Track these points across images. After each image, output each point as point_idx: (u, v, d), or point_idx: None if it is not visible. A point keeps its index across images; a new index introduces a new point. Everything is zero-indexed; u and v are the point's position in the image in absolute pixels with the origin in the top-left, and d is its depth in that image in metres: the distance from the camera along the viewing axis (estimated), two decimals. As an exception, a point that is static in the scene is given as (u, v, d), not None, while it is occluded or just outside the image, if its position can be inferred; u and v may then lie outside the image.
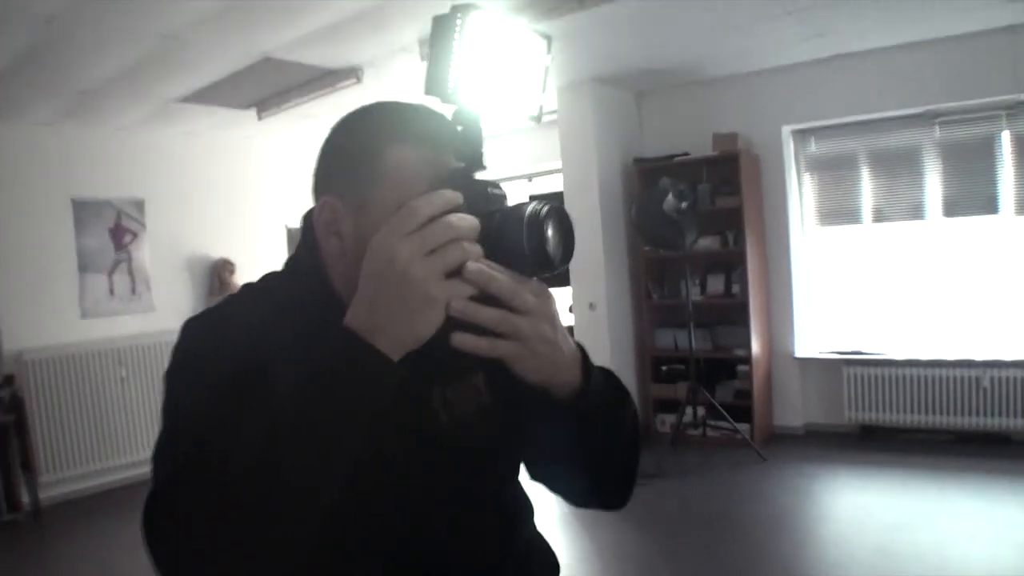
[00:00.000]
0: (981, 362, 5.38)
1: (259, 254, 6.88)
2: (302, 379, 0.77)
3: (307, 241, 1.02)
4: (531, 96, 0.97)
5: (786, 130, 6.05)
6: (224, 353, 0.89)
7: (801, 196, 6.17)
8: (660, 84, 6.34)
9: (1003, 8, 4.74)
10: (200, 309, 6.03)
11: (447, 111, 0.93)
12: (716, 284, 6.25)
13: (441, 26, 0.84)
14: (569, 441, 0.96)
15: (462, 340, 0.84)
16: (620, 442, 1.03)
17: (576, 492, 1.11)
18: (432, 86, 0.85)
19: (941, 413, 5.52)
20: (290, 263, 1.06)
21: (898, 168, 5.75)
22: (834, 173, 6.03)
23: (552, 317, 0.89)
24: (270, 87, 5.39)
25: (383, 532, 0.94)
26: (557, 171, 6.73)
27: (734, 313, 6.09)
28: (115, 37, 4.13)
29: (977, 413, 5.37)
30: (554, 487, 1.11)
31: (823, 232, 6.15)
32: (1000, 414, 5.30)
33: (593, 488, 1.07)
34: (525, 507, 1.15)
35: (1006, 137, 5.37)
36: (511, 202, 0.90)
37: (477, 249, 0.82)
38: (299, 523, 0.76)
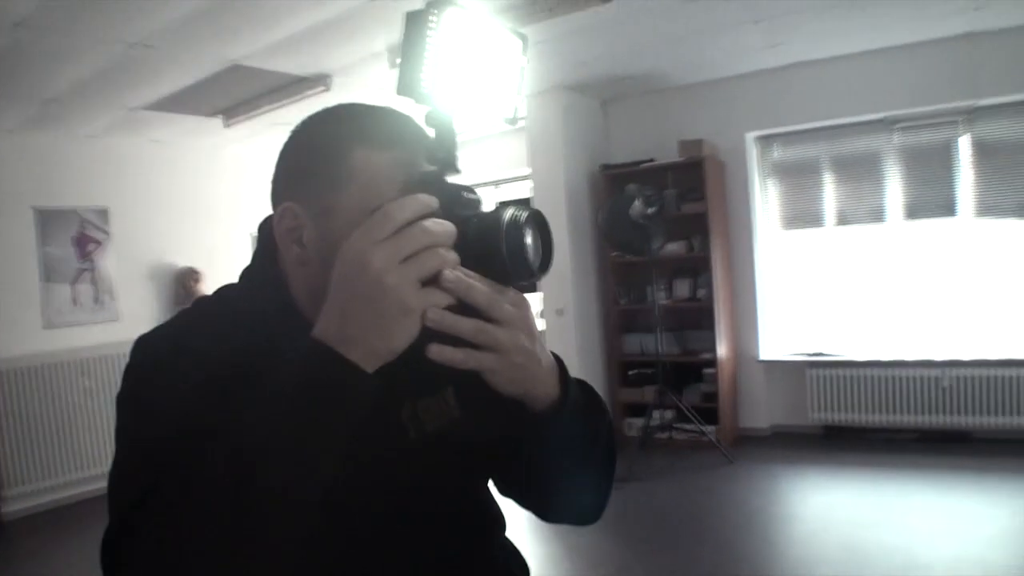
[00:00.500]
0: (941, 362, 5.51)
1: (225, 263, 6.81)
2: (273, 394, 0.74)
3: (264, 250, 0.98)
4: (506, 98, 0.93)
5: (750, 136, 6.15)
6: (181, 370, 0.84)
7: (765, 201, 6.27)
8: (627, 91, 6.41)
9: (961, 16, 4.87)
10: (165, 318, 5.94)
11: (419, 112, 0.89)
12: (682, 288, 6.33)
13: (414, 23, 0.80)
14: (544, 454, 0.92)
15: (439, 352, 0.79)
16: (596, 455, 0.99)
17: (548, 507, 1.06)
18: (404, 86, 0.81)
19: (903, 412, 5.64)
20: (246, 274, 1.01)
21: (859, 173, 5.87)
22: (797, 178, 6.14)
23: (530, 327, 0.85)
24: (239, 94, 5.37)
25: (352, 547, 0.91)
26: (524, 178, 6.77)
27: (700, 317, 6.17)
28: (84, 44, 4.10)
29: (938, 412, 5.49)
30: (525, 502, 1.06)
31: (787, 236, 6.26)
32: (960, 412, 5.43)
33: (566, 502, 1.02)
34: (495, 520, 1.10)
35: (964, 142, 5.50)
36: (485, 207, 0.86)
37: (454, 256, 0.78)
38: (275, 540, 0.73)
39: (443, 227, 0.77)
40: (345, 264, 0.75)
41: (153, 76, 4.75)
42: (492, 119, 0.93)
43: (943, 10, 4.76)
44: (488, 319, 0.80)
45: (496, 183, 7.67)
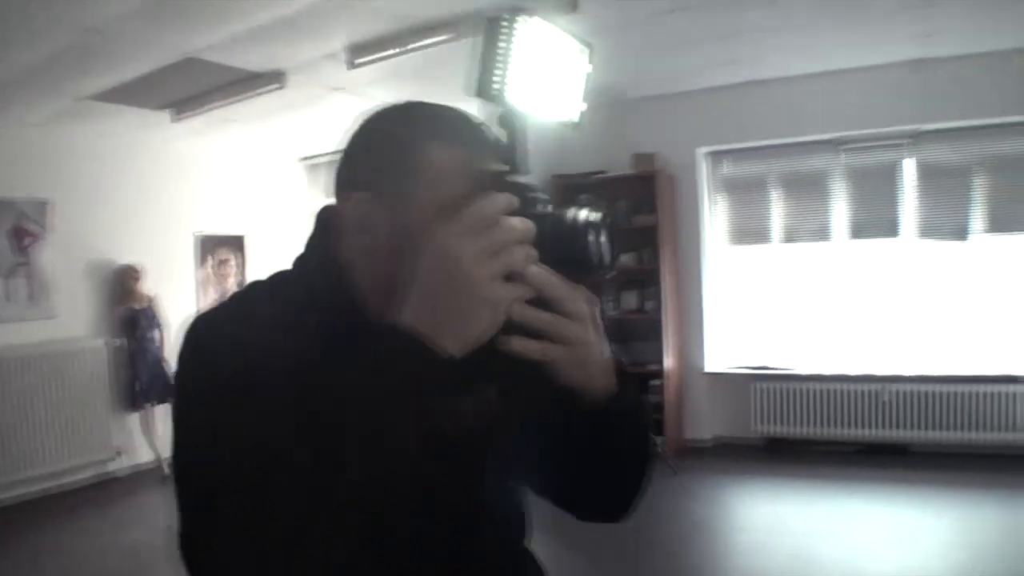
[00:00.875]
0: (882, 377, 5.67)
1: (167, 261, 6.67)
2: (359, 379, 0.76)
3: (322, 238, 1.00)
4: (572, 102, 0.97)
5: (700, 152, 6.24)
6: (246, 349, 0.85)
7: (713, 216, 6.37)
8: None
9: (912, 43, 5.02)
10: (104, 316, 5.77)
11: (489, 114, 0.93)
12: (630, 300, 6.38)
13: (492, 30, 0.85)
14: (590, 448, 0.96)
15: (519, 344, 0.84)
16: (640, 449, 1.02)
17: (583, 503, 1.09)
18: (481, 89, 0.86)
19: (844, 426, 5.77)
20: (302, 261, 1.02)
21: (807, 191, 6.00)
22: (746, 194, 6.25)
23: (596, 323, 0.89)
24: (190, 88, 5.25)
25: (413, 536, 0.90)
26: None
27: (648, 329, 6.22)
28: (36, 27, 3.96)
29: (878, 425, 5.63)
30: (560, 497, 1.09)
31: (734, 251, 6.36)
32: (899, 426, 5.58)
33: (603, 496, 1.06)
34: (526, 521, 1.13)
35: (908, 165, 5.69)
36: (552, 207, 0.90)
37: (533, 252, 0.82)
38: (362, 529, 0.75)
39: (525, 224, 0.81)
40: (436, 256, 0.79)
41: (104, 65, 4.60)
42: (558, 121, 0.98)
43: (895, 37, 4.91)
44: (561, 313, 0.84)
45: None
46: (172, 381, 0.94)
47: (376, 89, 5.55)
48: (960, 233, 5.59)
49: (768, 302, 6.26)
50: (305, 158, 7.91)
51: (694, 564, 4.17)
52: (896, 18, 4.64)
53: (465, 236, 0.78)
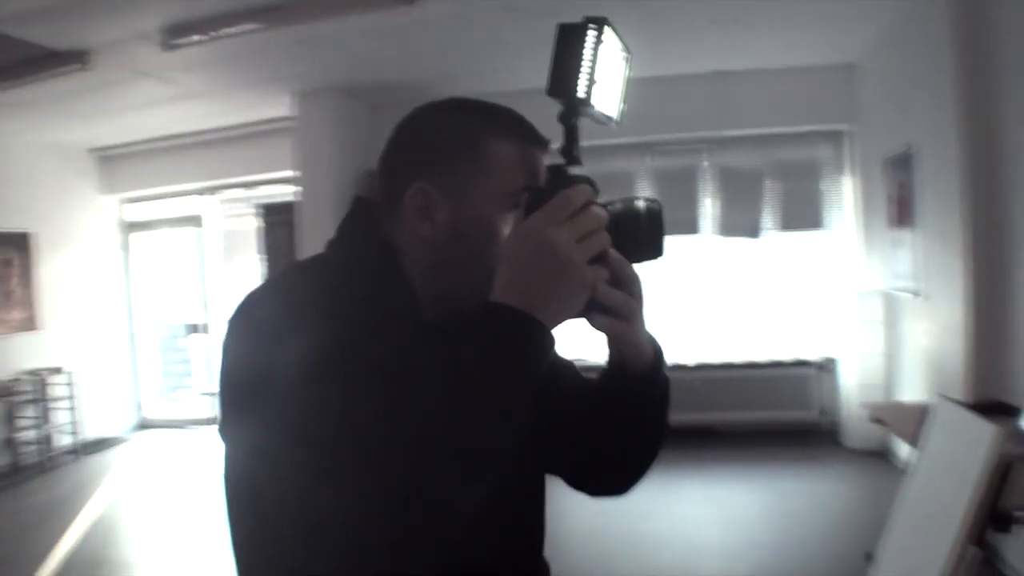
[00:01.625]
0: (692, 366, 6.13)
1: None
2: (459, 354, 0.80)
3: (365, 224, 1.03)
4: (617, 103, 1.03)
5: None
6: (338, 323, 0.86)
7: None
8: (396, 99, 6.38)
9: (715, 57, 5.44)
10: None
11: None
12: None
13: (567, 34, 0.91)
14: (628, 416, 1.05)
15: (599, 321, 0.93)
16: (663, 422, 1.09)
17: (606, 474, 1.16)
18: (555, 89, 0.92)
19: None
20: (346, 247, 1.04)
21: (615, 192, 6.22)
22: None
23: (646, 301, 0.98)
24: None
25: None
26: (282, 180, 6.59)
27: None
28: None
29: (689, 410, 6.01)
30: (584, 472, 1.17)
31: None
32: (708, 409, 6.04)
33: (626, 466, 1.14)
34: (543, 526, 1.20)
35: (708, 168, 6.21)
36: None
37: (609, 238, 0.88)
38: (466, 499, 0.79)
39: (602, 212, 0.88)
40: (531, 241, 0.84)
41: None
42: (607, 120, 1.03)
43: (701, 49, 5.31)
44: (629, 293, 0.94)
45: (248, 184, 7.33)
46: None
47: (186, 76, 5.26)
48: (753, 231, 6.13)
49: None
50: (96, 149, 7.32)
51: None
52: (707, 32, 5.02)
53: (560, 223, 0.84)
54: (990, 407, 2.72)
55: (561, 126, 0.95)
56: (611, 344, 1.00)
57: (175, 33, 4.44)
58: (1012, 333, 3.66)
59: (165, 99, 5.74)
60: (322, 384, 0.79)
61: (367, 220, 1.03)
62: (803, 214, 6.10)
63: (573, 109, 0.94)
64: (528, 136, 0.99)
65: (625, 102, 1.03)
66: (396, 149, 1.01)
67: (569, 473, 1.16)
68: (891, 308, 5.36)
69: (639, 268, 0.95)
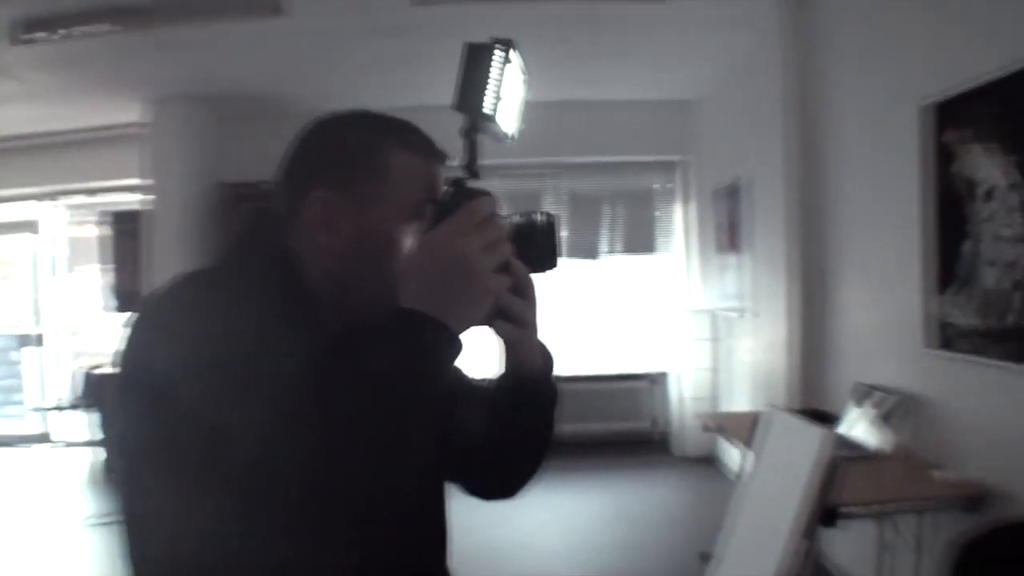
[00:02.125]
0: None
1: None
2: (369, 363, 0.80)
3: (265, 233, 1.02)
4: (514, 121, 1.08)
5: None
6: (234, 328, 0.84)
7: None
8: (246, 111, 6.33)
9: (557, 86, 5.78)
10: None
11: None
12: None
13: (476, 53, 0.97)
14: (520, 421, 1.08)
15: (503, 327, 0.98)
16: (551, 425, 1.12)
17: (499, 479, 1.20)
18: (463, 105, 0.97)
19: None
20: (240, 254, 1.04)
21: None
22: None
23: (539, 308, 1.02)
24: None
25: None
26: (128, 188, 6.44)
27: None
28: None
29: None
30: (478, 477, 1.20)
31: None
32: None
33: (518, 469, 1.17)
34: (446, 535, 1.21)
35: (552, 191, 6.58)
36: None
37: (511, 248, 0.93)
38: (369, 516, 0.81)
39: (505, 223, 0.94)
40: (438, 250, 0.87)
41: None
42: (505, 137, 1.09)
43: (554, 76, 5.61)
44: (527, 300, 0.99)
45: (92, 191, 7.07)
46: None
47: (34, 73, 5.08)
48: (592, 253, 6.53)
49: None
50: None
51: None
52: (559, 63, 5.32)
53: (467, 233, 0.87)
54: (811, 415, 2.88)
55: (462, 141, 0.99)
56: (508, 350, 1.03)
57: (27, 28, 4.30)
58: (830, 348, 4.01)
59: (7, 96, 5.50)
60: (218, 391, 0.78)
61: (266, 228, 1.02)
62: (639, 238, 6.57)
63: (477, 124, 0.98)
64: (428, 150, 1.02)
65: (523, 121, 1.09)
66: (298, 158, 1.01)
67: (461, 478, 1.18)
68: (720, 326, 5.81)
69: (535, 278, 1.00)
